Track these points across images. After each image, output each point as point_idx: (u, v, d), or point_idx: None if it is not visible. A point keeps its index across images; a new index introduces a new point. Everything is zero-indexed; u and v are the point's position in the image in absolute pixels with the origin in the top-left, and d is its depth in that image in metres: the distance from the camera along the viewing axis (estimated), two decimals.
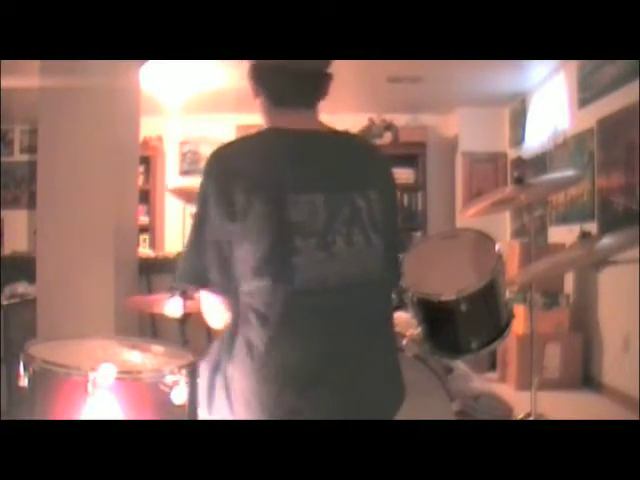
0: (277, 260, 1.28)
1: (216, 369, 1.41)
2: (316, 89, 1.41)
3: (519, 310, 3.89)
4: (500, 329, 2.11)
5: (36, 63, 3.24)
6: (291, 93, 1.39)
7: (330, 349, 1.30)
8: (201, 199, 1.33)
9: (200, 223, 1.34)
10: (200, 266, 1.34)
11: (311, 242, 1.28)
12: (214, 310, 1.42)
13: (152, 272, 3.91)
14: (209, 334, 3.73)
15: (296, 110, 1.40)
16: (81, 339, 2.02)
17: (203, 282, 1.37)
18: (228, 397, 1.36)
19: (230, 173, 1.31)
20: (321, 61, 1.41)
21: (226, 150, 1.38)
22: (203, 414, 1.43)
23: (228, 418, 1.37)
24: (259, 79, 1.41)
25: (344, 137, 1.46)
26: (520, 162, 6.12)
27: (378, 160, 1.47)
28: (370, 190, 1.34)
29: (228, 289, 1.34)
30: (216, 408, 1.40)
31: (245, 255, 1.29)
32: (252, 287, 1.31)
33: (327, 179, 1.32)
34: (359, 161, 1.39)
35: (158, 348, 2.00)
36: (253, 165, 1.32)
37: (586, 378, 4.59)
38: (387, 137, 6.28)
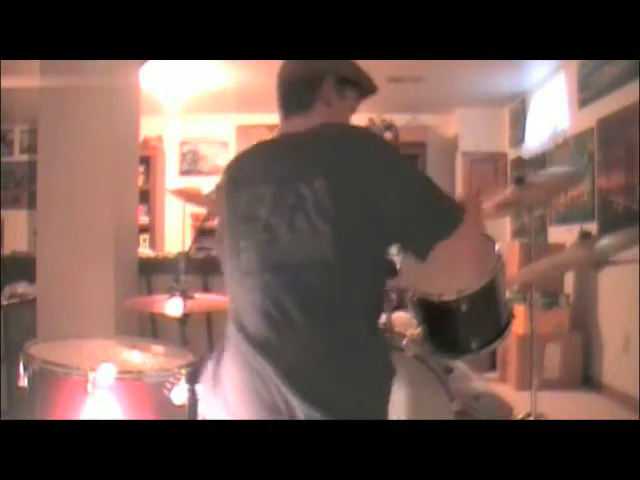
0: (229, 244, 1.43)
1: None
2: (299, 97, 1.46)
3: (519, 310, 3.89)
4: (500, 329, 2.11)
5: (36, 63, 3.24)
6: (281, 103, 1.50)
7: (269, 327, 1.34)
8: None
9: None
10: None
11: (257, 226, 1.38)
12: None
13: (152, 272, 3.90)
14: (209, 334, 3.73)
15: (288, 118, 1.49)
16: (81, 339, 2.02)
17: None
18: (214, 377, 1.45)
19: (225, 177, 1.53)
20: (304, 69, 1.45)
21: (233, 158, 1.58)
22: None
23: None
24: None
25: (317, 131, 1.43)
26: (520, 162, 6.12)
27: (337, 146, 1.38)
28: (317, 179, 1.34)
29: None
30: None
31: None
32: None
33: (280, 173, 1.40)
34: (314, 151, 1.39)
35: (158, 348, 2.01)
36: (234, 169, 1.52)
37: (586, 378, 4.59)
38: (387, 137, 6.27)
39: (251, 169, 1.47)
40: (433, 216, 1.35)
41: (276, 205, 1.37)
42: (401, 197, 1.35)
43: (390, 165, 1.38)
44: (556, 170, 3.71)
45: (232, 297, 1.44)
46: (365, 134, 1.47)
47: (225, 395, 1.38)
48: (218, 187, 1.55)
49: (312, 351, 1.32)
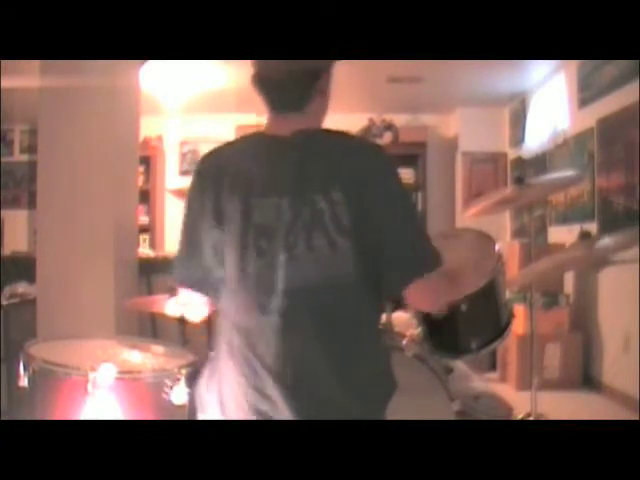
0: (244, 262, 1.32)
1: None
2: (295, 93, 1.40)
3: (519, 310, 3.89)
4: (500, 329, 2.11)
5: (36, 63, 3.24)
6: (272, 98, 1.42)
7: (290, 350, 1.30)
8: (186, 202, 1.43)
9: (188, 226, 1.43)
10: (196, 269, 1.42)
11: (275, 244, 1.30)
12: (194, 306, 1.52)
13: (152, 272, 3.90)
14: (209, 334, 3.73)
15: (280, 114, 1.42)
16: (81, 339, 2.02)
17: (199, 287, 1.44)
18: (219, 400, 1.40)
19: (209, 177, 1.39)
20: (303, 64, 1.39)
21: (209, 156, 1.45)
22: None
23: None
24: (255, 85, 1.43)
25: (323, 137, 1.39)
26: (520, 162, 6.12)
27: (350, 159, 1.34)
28: (334, 192, 1.28)
29: (215, 290, 1.41)
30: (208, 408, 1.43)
31: (222, 258, 1.36)
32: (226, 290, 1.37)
33: (293, 182, 1.31)
34: (327, 162, 1.33)
35: (158, 348, 2.01)
36: (227, 170, 1.38)
37: (586, 378, 4.59)
38: (387, 137, 6.28)
39: (255, 170, 1.36)
40: (420, 250, 1.35)
41: (294, 220, 1.29)
42: (395, 217, 1.33)
43: (393, 185, 1.37)
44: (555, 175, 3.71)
45: (237, 312, 1.36)
46: (378, 149, 1.44)
47: (224, 411, 1.37)
48: (200, 181, 1.41)
49: (321, 368, 1.30)
